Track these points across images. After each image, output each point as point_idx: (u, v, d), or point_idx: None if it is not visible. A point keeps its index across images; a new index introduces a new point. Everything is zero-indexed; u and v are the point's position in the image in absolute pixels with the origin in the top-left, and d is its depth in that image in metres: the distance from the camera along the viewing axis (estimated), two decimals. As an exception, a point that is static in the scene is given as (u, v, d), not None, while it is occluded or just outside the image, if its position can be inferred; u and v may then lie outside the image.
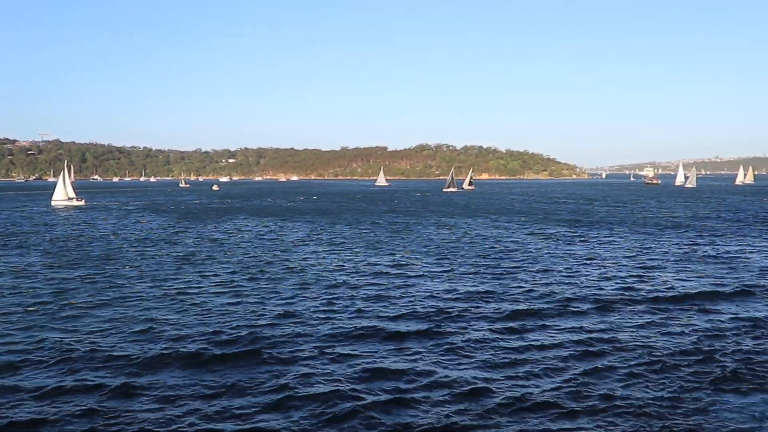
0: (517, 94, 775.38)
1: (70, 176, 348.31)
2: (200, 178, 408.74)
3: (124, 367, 14.55)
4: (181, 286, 24.67)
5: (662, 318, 19.38)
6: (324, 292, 23.09)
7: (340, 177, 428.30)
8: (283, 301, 21.64)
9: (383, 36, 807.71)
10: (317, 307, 20.69)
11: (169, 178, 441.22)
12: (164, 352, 15.57)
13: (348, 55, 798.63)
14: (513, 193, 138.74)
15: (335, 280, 25.61)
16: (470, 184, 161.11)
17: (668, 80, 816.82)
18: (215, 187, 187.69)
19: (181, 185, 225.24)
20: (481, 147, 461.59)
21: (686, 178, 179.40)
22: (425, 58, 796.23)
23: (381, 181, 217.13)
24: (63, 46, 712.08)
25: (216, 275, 27.16)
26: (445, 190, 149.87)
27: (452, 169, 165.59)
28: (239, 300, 21.98)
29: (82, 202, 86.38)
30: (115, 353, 15.46)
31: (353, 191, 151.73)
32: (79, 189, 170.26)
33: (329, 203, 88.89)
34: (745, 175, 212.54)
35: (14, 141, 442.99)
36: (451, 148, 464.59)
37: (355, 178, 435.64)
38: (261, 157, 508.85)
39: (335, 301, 21.58)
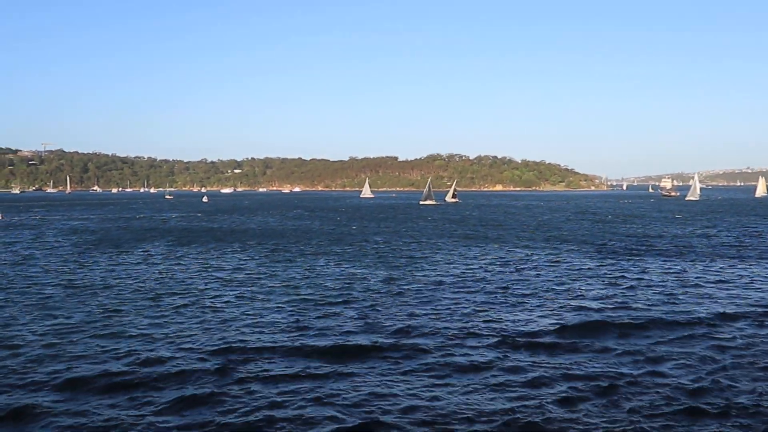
0: (535, 102, 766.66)
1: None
2: (202, 189, 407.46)
3: None
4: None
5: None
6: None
7: (348, 188, 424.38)
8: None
9: (394, 44, 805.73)
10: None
11: (172, 189, 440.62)
12: None
13: (358, 63, 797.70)
14: (502, 207, 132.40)
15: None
16: (454, 196, 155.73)
17: (697, 85, 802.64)
18: (205, 199, 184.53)
19: (166, 197, 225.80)
20: (495, 157, 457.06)
21: (688, 190, 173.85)
22: (437, 65, 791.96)
23: (366, 193, 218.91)
24: (70, 55, 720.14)
25: None
26: (422, 203, 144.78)
27: (429, 180, 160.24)
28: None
29: None
30: None
31: (340, 205, 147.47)
32: (51, 201, 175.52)
33: (294, 221, 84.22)
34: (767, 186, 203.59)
35: (17, 151, 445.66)
36: (464, 158, 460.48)
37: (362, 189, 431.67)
38: (267, 168, 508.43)
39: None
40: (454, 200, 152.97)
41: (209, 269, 35.01)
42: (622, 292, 27.08)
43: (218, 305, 24.53)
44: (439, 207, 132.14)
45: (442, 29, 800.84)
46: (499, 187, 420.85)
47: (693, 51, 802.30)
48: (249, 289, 28.35)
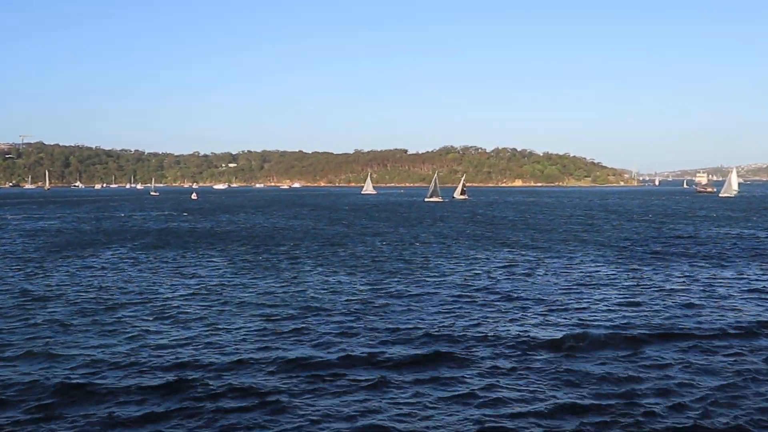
0: (559, 89, 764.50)
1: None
2: (194, 185, 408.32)
3: None
4: None
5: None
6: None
7: (353, 184, 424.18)
8: None
9: (403, 28, 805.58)
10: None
11: (161, 185, 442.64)
12: None
13: (364, 48, 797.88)
14: (514, 205, 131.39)
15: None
16: (463, 192, 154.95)
17: (736, 69, 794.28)
18: (194, 196, 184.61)
19: (151, 194, 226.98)
20: (514, 150, 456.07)
21: (723, 185, 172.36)
22: (450, 50, 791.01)
23: (368, 189, 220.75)
24: (48, 38, 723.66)
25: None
26: (427, 199, 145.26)
27: (435, 175, 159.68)
28: None
29: None
30: None
31: (340, 203, 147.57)
32: (25, 198, 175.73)
33: (286, 221, 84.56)
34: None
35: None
36: (479, 150, 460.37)
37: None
38: (265, 161, 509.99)
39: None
40: (463, 197, 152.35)
41: (179, 277, 34.43)
42: (639, 301, 26.88)
43: (181, 318, 24.02)
44: (445, 204, 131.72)
45: (455, 12, 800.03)
46: (518, 183, 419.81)
47: (733, 31, 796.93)
48: (218, 300, 27.72)
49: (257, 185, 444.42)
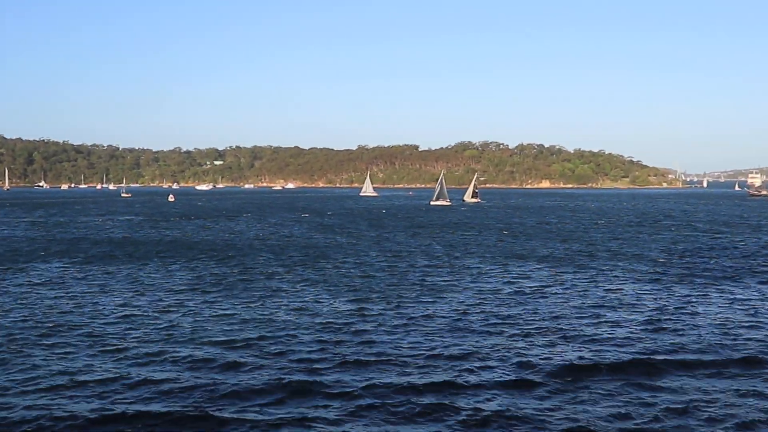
0: (591, 76, 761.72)
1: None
2: (173, 185, 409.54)
3: None
4: None
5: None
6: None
7: (355, 184, 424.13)
8: None
9: (411, 7, 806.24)
10: None
11: (137, 185, 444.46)
12: None
13: (367, 30, 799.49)
14: (536, 210, 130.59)
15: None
16: (474, 195, 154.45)
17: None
18: (171, 198, 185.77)
19: (122, 195, 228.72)
20: (541, 146, 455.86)
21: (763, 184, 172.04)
22: (466, 33, 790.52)
23: (367, 190, 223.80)
24: (5, 18, 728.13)
25: None
26: (432, 203, 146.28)
27: (441, 175, 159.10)
28: None
29: None
30: None
31: (334, 207, 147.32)
32: None
33: (269, 229, 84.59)
34: None
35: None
36: (501, 146, 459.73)
37: (375, 186, 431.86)
38: (256, 158, 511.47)
39: None
40: (474, 200, 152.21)
41: (127, 295, 33.92)
42: (664, 327, 26.78)
43: (118, 347, 23.38)
44: (453, 209, 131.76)
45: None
46: (545, 184, 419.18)
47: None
48: (166, 324, 26.94)
49: (246, 186, 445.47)
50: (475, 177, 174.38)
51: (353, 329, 25.90)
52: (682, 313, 29.16)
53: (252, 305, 31.13)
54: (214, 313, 29.09)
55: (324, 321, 27.46)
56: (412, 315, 28.73)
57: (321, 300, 32.48)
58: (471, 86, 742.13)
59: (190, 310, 29.97)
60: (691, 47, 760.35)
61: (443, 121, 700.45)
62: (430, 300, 32.47)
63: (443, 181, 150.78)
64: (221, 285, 37.19)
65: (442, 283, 37.92)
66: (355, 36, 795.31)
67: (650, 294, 34.30)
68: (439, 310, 30.07)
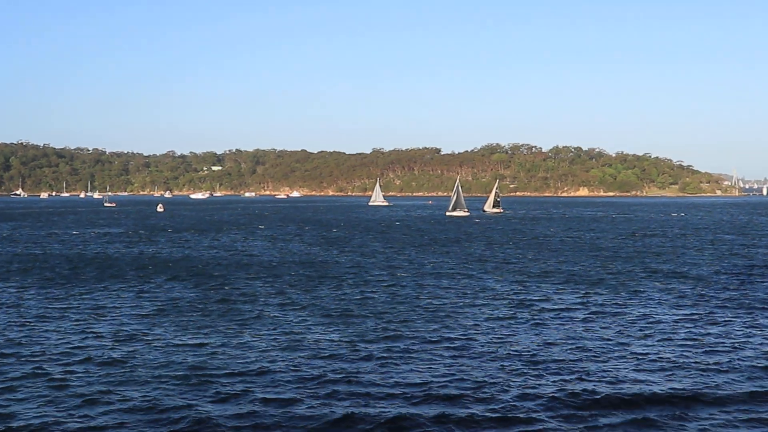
0: (636, 71, 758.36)
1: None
2: (165, 194, 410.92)
3: None
4: None
5: None
6: None
7: (370, 192, 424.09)
8: None
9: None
10: None
11: (126, 194, 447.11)
12: None
13: (384, 20, 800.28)
14: (566, 221, 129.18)
15: None
16: (496, 204, 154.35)
17: None
18: (160, 208, 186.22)
19: (105, 205, 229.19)
20: (578, 149, 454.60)
21: None
22: (492, 21, 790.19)
23: (377, 199, 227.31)
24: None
25: None
26: (449, 213, 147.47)
27: (457, 181, 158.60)
28: None
29: None
30: None
31: (346, 219, 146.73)
32: None
33: (263, 243, 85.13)
34: None
35: None
36: (534, 150, 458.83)
37: (391, 194, 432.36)
38: (258, 164, 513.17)
39: None
40: (496, 211, 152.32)
41: (82, 323, 33.37)
42: (694, 361, 26.12)
43: (53, 386, 22.83)
44: (471, 220, 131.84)
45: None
46: (583, 192, 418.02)
47: None
48: (113, 359, 26.17)
49: (247, 194, 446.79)
50: (496, 184, 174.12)
51: (339, 365, 25.24)
52: (721, 346, 28.42)
53: (228, 333, 30.46)
54: (181, 343, 28.42)
55: (307, 354, 26.81)
56: (410, 346, 28.12)
57: (309, 328, 31.87)
58: (500, 82, 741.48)
59: (155, 340, 29.34)
60: (755, 37, 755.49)
61: (468, 122, 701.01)
62: (433, 327, 31.92)
63: (459, 188, 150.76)
64: (196, 310, 36.64)
65: (448, 306, 37.51)
66: (369, 27, 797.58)
67: (688, 321, 33.61)
68: (444, 337, 29.63)
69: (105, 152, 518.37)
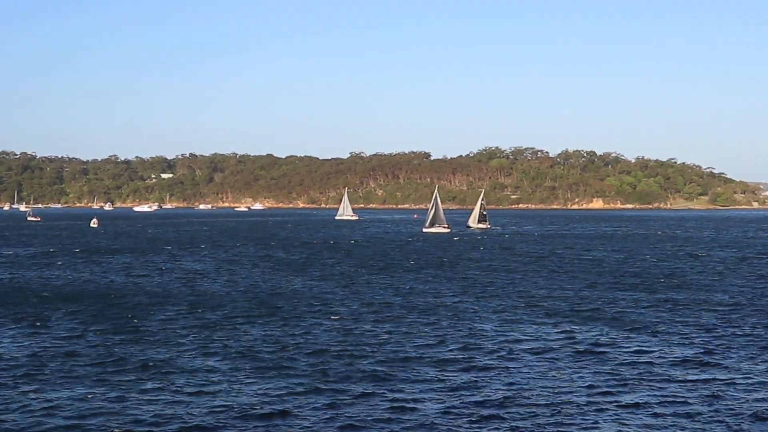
0: (655, 68, 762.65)
1: None
2: (107, 206, 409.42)
3: None
4: None
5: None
6: None
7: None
8: None
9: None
10: None
11: (59, 205, 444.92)
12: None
13: (366, 10, 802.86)
14: (570, 238, 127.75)
15: None
16: (482, 218, 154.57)
17: None
18: (94, 223, 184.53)
19: (28, 218, 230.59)
20: (592, 153, 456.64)
21: None
22: (489, 14, 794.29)
23: (345, 212, 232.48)
24: None
25: None
26: (425, 229, 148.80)
27: (436, 191, 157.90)
28: None
29: None
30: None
31: (305, 238, 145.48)
32: None
33: (201, 266, 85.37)
34: None
35: None
36: (540, 154, 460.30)
37: (372, 206, 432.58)
38: (216, 170, 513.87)
39: None
40: (481, 226, 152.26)
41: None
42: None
43: None
44: (451, 237, 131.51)
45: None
46: (597, 204, 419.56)
47: None
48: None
49: (201, 206, 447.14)
50: (481, 195, 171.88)
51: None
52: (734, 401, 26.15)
53: (125, 391, 27.65)
54: (50, 405, 25.64)
55: (216, 423, 24.08)
56: (355, 411, 25.25)
57: (232, 386, 28.68)
58: (498, 76, 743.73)
59: (24, 394, 26.79)
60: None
61: (462, 121, 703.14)
62: (380, 379, 29.13)
63: (438, 199, 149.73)
64: (88, 356, 33.73)
65: (420, 350, 34.59)
66: (350, 15, 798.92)
67: (695, 369, 31.44)
68: (418, 396, 26.68)
69: (35, 157, 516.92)
